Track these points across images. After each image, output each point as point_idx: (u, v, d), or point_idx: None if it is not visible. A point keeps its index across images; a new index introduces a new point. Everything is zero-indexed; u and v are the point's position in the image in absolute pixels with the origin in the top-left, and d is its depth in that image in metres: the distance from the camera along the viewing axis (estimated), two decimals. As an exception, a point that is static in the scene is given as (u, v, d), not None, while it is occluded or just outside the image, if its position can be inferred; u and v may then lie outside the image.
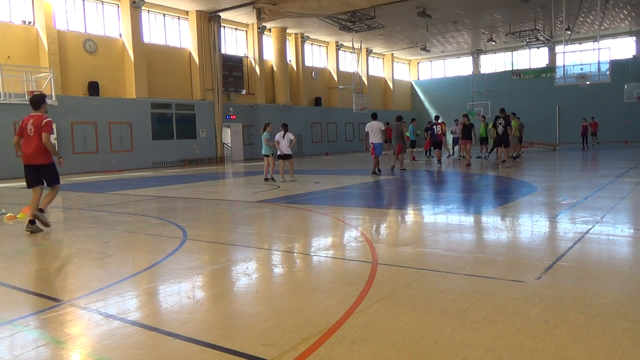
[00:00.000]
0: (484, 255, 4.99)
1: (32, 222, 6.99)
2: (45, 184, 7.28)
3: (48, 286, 4.45)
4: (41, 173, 7.19)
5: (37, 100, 7.29)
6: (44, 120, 7.10)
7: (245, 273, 4.67)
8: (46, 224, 7.10)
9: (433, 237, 5.99)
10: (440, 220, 7.25)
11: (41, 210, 7.08)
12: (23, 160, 7.23)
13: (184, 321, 3.41)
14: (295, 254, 5.45)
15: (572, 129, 36.64)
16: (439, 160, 19.33)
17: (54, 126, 20.53)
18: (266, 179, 14.12)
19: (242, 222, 7.88)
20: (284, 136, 13.85)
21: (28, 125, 7.12)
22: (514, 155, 20.33)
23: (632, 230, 6.00)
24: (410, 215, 7.87)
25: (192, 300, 3.91)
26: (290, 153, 13.90)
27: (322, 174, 16.89)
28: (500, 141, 17.37)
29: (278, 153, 13.97)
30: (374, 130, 14.94)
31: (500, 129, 17.18)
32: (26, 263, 5.31)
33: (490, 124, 20.80)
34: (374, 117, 15.45)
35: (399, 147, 16.50)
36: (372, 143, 14.91)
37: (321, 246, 5.83)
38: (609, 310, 3.33)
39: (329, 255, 5.29)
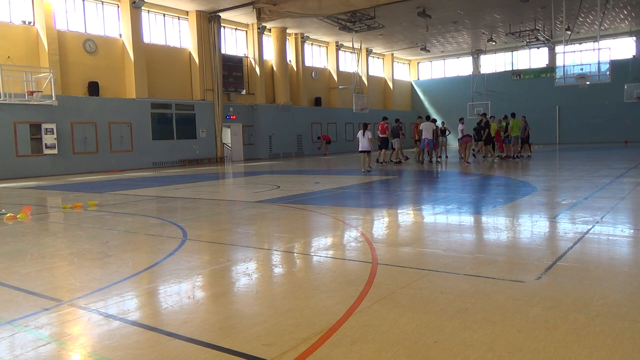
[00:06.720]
0: (484, 255, 4.99)
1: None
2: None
3: (48, 286, 4.45)
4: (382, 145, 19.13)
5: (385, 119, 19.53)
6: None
7: (245, 273, 4.67)
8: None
9: (433, 237, 5.99)
10: (440, 220, 7.25)
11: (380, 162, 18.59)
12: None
13: (184, 321, 3.41)
14: (295, 254, 5.45)
15: (572, 129, 36.72)
16: (463, 159, 19.29)
17: (54, 126, 20.62)
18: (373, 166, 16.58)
19: (242, 222, 7.88)
20: (363, 134, 15.82)
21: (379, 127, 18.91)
22: (513, 155, 20.40)
23: (632, 230, 6.00)
24: (410, 215, 7.87)
25: (192, 300, 3.91)
26: (369, 149, 16.02)
27: (322, 174, 16.90)
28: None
29: (359, 149, 15.64)
30: (427, 129, 18.98)
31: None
32: (26, 263, 5.31)
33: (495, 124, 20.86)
34: (428, 118, 20.47)
35: (435, 144, 20.02)
36: (425, 139, 19.03)
37: (321, 246, 5.83)
38: (609, 310, 3.33)
39: (329, 255, 5.29)
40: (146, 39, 24.67)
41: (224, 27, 28.22)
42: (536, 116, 33.79)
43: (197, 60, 26.53)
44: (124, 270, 4.87)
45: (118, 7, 23.78)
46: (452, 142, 30.28)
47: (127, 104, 23.61)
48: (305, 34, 32.56)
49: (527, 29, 31.43)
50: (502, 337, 2.94)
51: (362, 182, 13.31)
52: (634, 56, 34.43)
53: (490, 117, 21.34)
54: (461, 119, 20.96)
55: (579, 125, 36.52)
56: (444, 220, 7.22)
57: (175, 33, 26.57)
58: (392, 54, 41.40)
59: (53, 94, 19.57)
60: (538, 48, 36.78)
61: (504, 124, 20.42)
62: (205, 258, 5.35)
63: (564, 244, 5.33)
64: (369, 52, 38.46)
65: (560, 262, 4.55)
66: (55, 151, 20.88)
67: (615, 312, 3.29)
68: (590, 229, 5.98)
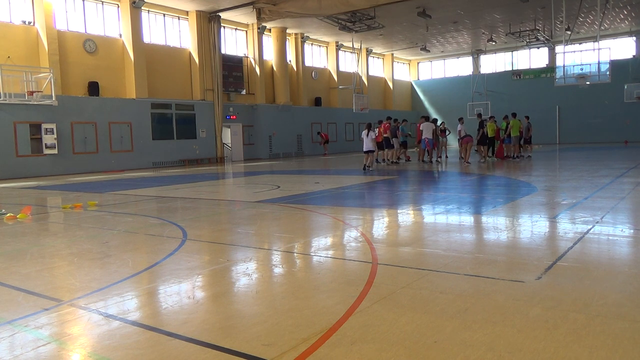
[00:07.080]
0: (484, 255, 4.99)
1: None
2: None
3: (48, 286, 4.45)
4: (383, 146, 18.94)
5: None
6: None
7: (245, 273, 4.67)
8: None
9: (433, 237, 5.98)
10: (440, 220, 7.25)
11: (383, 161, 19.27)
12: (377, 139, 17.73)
13: (184, 321, 3.41)
14: (295, 254, 5.45)
15: (572, 129, 36.72)
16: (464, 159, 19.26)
17: (54, 126, 20.61)
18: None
19: (242, 222, 7.88)
20: (367, 134, 16.51)
21: (382, 127, 18.50)
22: (513, 155, 20.39)
23: (632, 230, 6.00)
24: (410, 215, 7.87)
25: (192, 300, 3.91)
26: (372, 149, 16.90)
27: (322, 174, 16.90)
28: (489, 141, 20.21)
29: (364, 149, 16.83)
30: (427, 129, 19.39)
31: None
32: (26, 263, 5.31)
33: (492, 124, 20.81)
34: (427, 118, 20.93)
35: (435, 143, 20.21)
36: (425, 138, 19.40)
37: (321, 246, 5.83)
38: (609, 310, 3.33)
39: (329, 255, 5.29)
40: (146, 39, 24.68)
41: (224, 27, 28.23)
42: (536, 116, 33.76)
43: (197, 60, 26.54)
44: (124, 270, 4.87)
45: (118, 7, 23.78)
46: (452, 142, 30.30)
47: (127, 104, 23.62)
48: (305, 34, 32.56)
49: (527, 29, 31.43)
50: (502, 337, 2.94)
51: (362, 182, 13.31)
52: (634, 56, 34.44)
53: (490, 117, 21.34)
54: (460, 119, 20.96)
55: (579, 125, 36.53)
56: (444, 220, 7.22)
57: (175, 33, 26.57)
58: (392, 54, 41.39)
59: (53, 94, 19.57)
60: (538, 48, 36.78)
61: (504, 124, 20.41)
62: (205, 258, 5.35)
63: (564, 244, 5.33)
64: (369, 52, 38.46)
65: (560, 262, 4.55)
66: (55, 151, 20.88)
67: (615, 312, 3.29)
68: (590, 229, 5.98)
